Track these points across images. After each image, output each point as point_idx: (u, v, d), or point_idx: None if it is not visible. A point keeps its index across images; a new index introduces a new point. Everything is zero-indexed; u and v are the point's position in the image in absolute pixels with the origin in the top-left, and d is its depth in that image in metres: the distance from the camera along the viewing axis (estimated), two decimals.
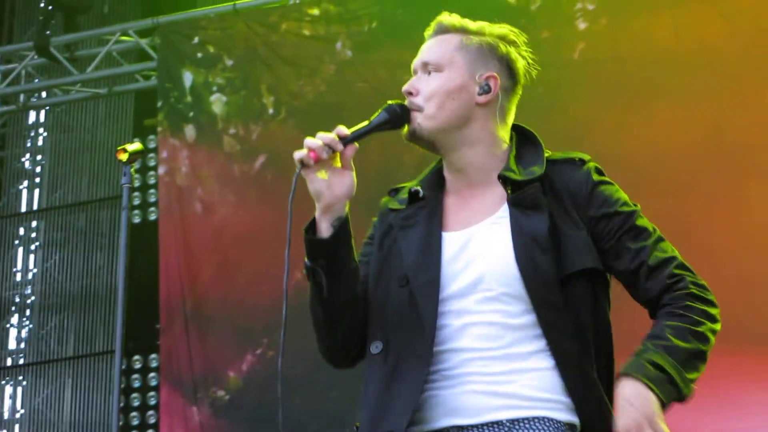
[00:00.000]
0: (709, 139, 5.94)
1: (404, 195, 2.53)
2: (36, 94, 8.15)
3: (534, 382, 2.31)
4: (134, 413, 7.30)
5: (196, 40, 7.26)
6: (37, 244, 8.28)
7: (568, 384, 2.31)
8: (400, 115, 2.46)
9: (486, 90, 2.46)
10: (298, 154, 2.36)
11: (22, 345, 8.19)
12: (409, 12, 6.69)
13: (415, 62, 2.53)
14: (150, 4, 7.84)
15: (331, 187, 2.38)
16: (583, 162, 2.47)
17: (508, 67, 2.50)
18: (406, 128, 2.47)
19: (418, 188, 2.51)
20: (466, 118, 2.46)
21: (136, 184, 7.33)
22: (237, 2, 7.17)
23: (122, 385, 7.05)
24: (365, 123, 2.44)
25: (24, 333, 8.20)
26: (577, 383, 2.31)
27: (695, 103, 6.00)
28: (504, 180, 2.43)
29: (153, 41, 7.46)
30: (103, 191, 8.12)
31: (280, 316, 2.31)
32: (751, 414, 5.54)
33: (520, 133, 2.54)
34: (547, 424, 2.29)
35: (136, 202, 7.52)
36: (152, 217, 7.46)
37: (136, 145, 4.64)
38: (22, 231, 8.39)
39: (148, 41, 7.49)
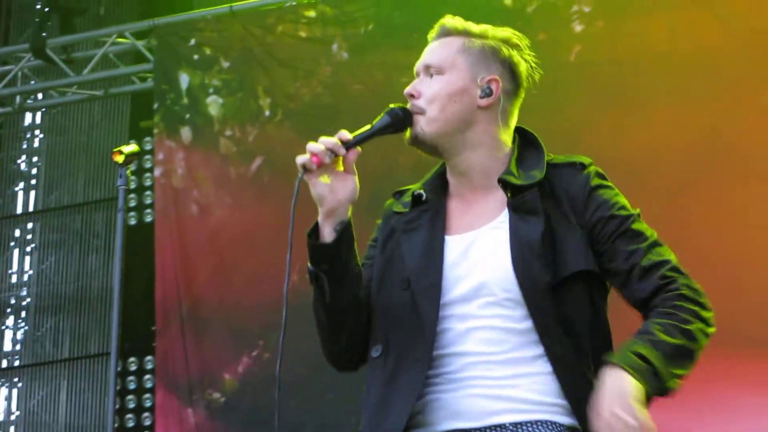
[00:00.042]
0: (705, 141, 5.93)
1: (408, 198, 2.53)
2: (32, 96, 8.12)
3: (536, 386, 2.31)
4: (130, 415, 7.28)
5: (192, 41, 7.25)
6: (33, 245, 8.25)
7: (566, 387, 2.31)
8: (403, 119, 2.45)
9: (488, 93, 2.46)
10: (301, 159, 2.36)
11: (18, 347, 8.16)
12: (406, 14, 6.68)
13: (418, 65, 2.52)
14: (146, 5, 7.82)
15: (334, 192, 2.38)
16: (583, 166, 2.46)
17: (510, 70, 2.50)
18: (408, 132, 2.47)
19: (422, 191, 2.51)
20: (468, 121, 2.46)
21: (132, 185, 7.32)
22: (233, 4, 7.16)
23: (118, 387, 6.98)
24: (368, 127, 2.44)
25: (19, 335, 8.17)
26: (575, 387, 2.31)
27: (691, 105, 5.99)
28: (504, 184, 2.42)
29: (149, 43, 7.44)
30: (99, 193, 8.10)
31: (276, 318, 2.30)
32: (745, 417, 5.53)
33: (522, 136, 2.53)
34: (550, 427, 2.30)
35: (132, 203, 7.50)
36: (148, 219, 7.44)
37: (132, 147, 4.64)
38: (17, 233, 8.35)
39: (144, 43, 7.48)
